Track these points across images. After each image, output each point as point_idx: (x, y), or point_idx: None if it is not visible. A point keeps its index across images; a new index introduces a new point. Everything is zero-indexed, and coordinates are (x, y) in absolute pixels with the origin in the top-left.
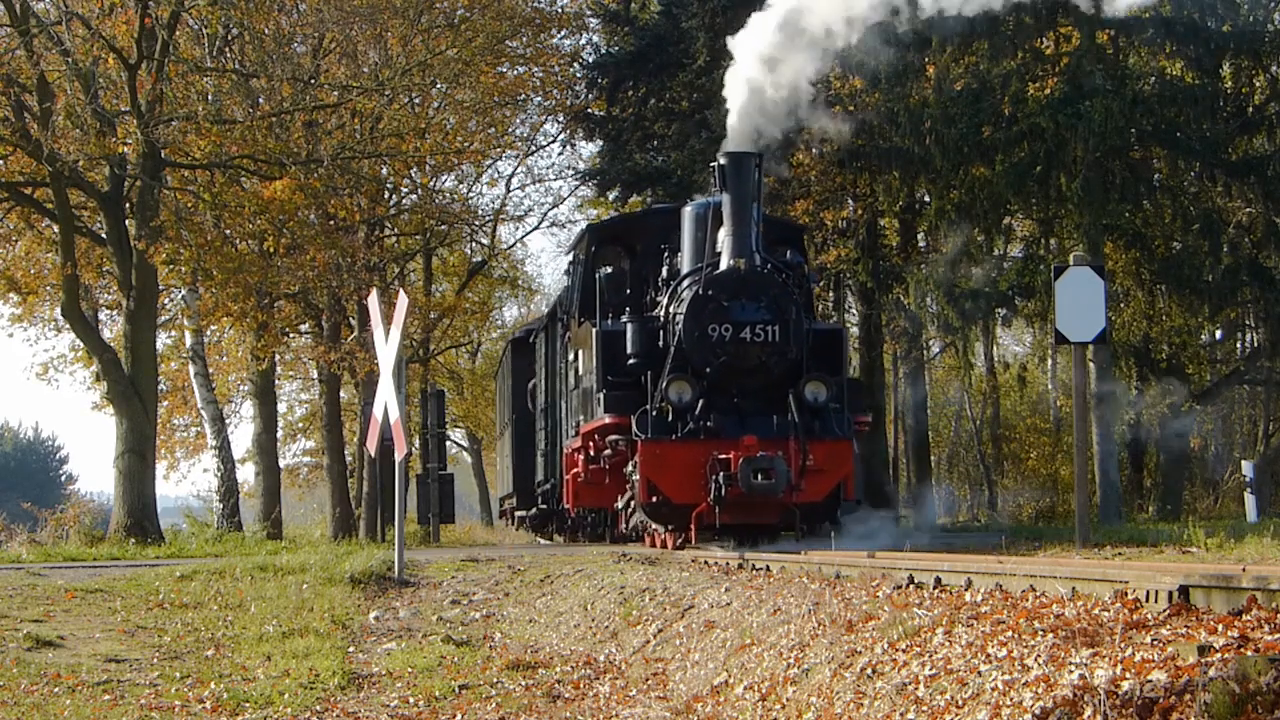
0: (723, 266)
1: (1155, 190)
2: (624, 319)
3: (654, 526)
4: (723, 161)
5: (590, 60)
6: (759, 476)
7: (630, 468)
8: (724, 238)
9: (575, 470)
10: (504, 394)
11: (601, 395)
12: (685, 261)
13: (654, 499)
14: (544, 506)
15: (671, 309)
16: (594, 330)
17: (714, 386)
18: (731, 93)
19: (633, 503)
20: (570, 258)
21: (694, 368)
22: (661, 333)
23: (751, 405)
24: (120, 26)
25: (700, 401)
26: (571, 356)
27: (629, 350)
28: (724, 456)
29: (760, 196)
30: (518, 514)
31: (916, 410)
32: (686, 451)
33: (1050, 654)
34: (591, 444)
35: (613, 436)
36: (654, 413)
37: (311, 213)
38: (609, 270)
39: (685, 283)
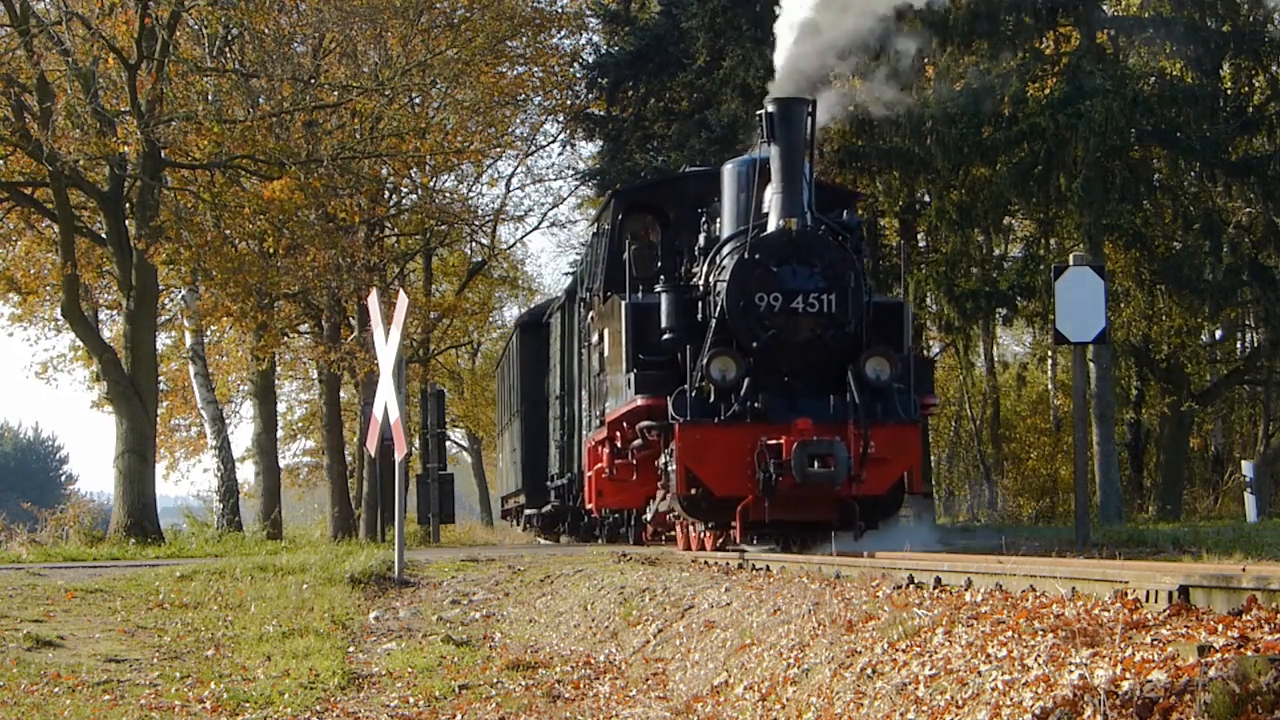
0: (770, 228)
1: (1155, 190)
2: (657, 288)
3: (691, 524)
4: (770, 109)
5: (590, 60)
6: (815, 464)
7: (665, 457)
8: (771, 196)
9: (599, 465)
10: (511, 382)
11: (632, 375)
12: (725, 226)
13: (693, 491)
14: (558, 503)
15: (712, 278)
16: (622, 304)
17: (761, 363)
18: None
19: (668, 498)
20: (594, 228)
21: (739, 342)
22: (700, 304)
23: (804, 384)
24: (120, 26)
25: (746, 380)
26: (595, 338)
27: (663, 324)
28: (774, 442)
29: (813, 150)
30: (527, 512)
31: None
32: (731, 436)
33: (1050, 654)
34: (619, 434)
35: (645, 423)
36: (693, 393)
37: (311, 213)
38: (638, 243)
39: (726, 249)
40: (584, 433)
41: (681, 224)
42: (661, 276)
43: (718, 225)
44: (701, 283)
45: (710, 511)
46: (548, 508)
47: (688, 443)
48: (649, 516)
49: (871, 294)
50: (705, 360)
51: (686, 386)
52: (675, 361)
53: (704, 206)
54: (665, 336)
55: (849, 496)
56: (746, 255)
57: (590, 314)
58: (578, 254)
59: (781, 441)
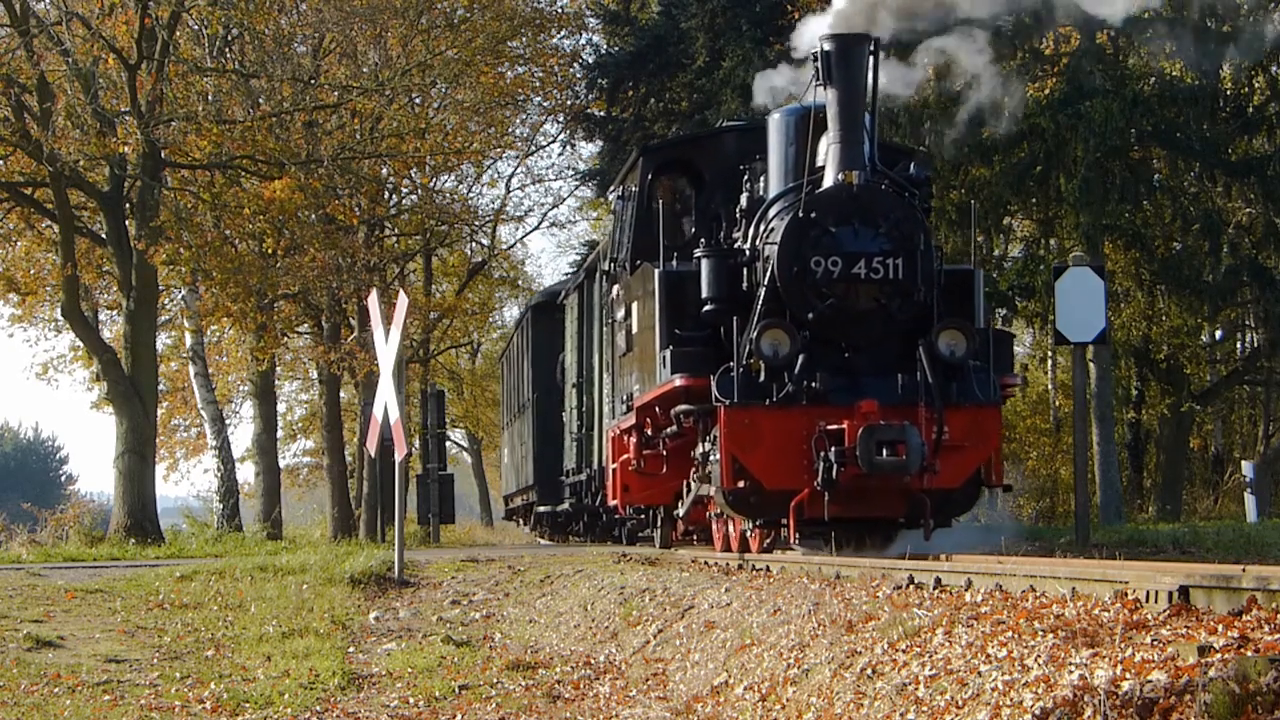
0: (827, 184)
1: (1155, 190)
2: (696, 253)
3: (730, 522)
4: (826, 47)
5: (590, 60)
6: (884, 451)
7: (706, 445)
8: (827, 147)
9: (625, 456)
10: (522, 369)
11: (668, 353)
12: (773, 184)
13: (740, 484)
14: (573, 501)
15: (759, 242)
16: (655, 272)
17: (819, 337)
18: None
19: (707, 492)
20: (619, 191)
21: (792, 313)
22: (745, 271)
23: (868, 361)
24: (120, 26)
25: (801, 356)
26: (621, 313)
27: (703, 294)
28: (835, 427)
29: (876, 98)
30: (539, 509)
31: None
32: (784, 421)
33: (1050, 654)
34: (649, 421)
35: (681, 407)
36: (740, 371)
37: (311, 213)
38: (668, 208)
39: (775, 209)
40: (605, 422)
41: (717, 185)
42: (702, 241)
43: (762, 184)
44: (748, 247)
45: (759, 507)
46: (564, 506)
47: (734, 428)
48: (681, 512)
49: (943, 259)
50: (755, 334)
51: (732, 364)
52: (716, 337)
53: (746, 164)
54: (706, 309)
55: (919, 490)
56: (801, 214)
57: (615, 287)
58: (578, 254)
59: (844, 426)
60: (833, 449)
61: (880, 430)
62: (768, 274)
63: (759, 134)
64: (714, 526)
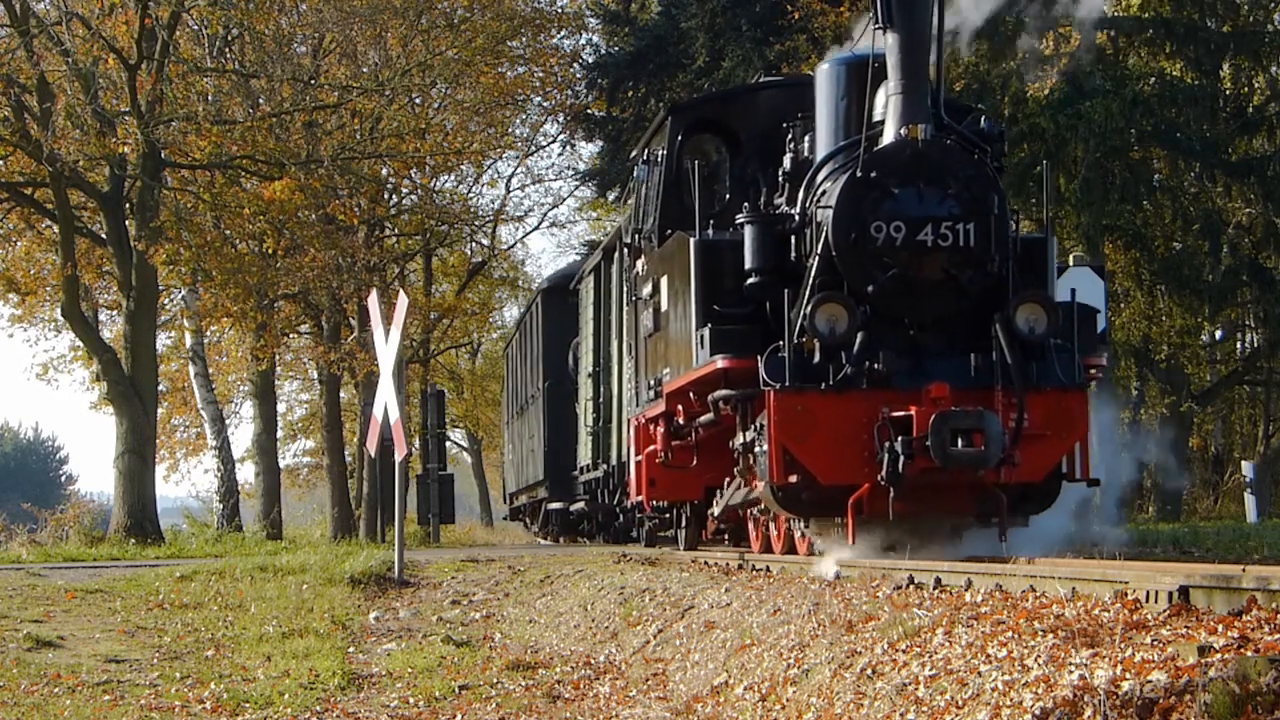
0: (887, 139)
1: (1155, 190)
2: (739, 219)
3: (772, 522)
4: None
5: (590, 60)
6: (960, 441)
7: (750, 434)
8: (887, 99)
9: (651, 448)
10: (529, 359)
11: (706, 331)
12: (821, 143)
13: (791, 478)
14: (587, 498)
15: (809, 206)
16: (690, 241)
17: (879, 312)
18: None
19: (758, 487)
20: (644, 155)
21: (850, 286)
22: (794, 239)
23: (935, 340)
24: (120, 27)
25: (860, 334)
26: (648, 290)
27: (746, 265)
28: (900, 414)
29: (941, 45)
30: (550, 506)
31: None
32: (842, 407)
33: (1050, 654)
34: (679, 408)
35: (721, 393)
36: (791, 351)
37: (311, 213)
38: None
39: (826, 169)
40: (625, 412)
41: (754, 147)
42: (745, 206)
43: (807, 144)
44: (796, 212)
45: (813, 505)
46: (578, 505)
47: (785, 415)
48: (716, 511)
49: (1018, 226)
50: (808, 309)
51: (781, 343)
52: (761, 314)
53: (785, 124)
54: (749, 282)
55: (995, 484)
56: (858, 173)
57: (639, 261)
58: (578, 254)
59: (911, 413)
60: (899, 439)
61: (955, 417)
62: (820, 242)
63: (801, 90)
64: (750, 527)
